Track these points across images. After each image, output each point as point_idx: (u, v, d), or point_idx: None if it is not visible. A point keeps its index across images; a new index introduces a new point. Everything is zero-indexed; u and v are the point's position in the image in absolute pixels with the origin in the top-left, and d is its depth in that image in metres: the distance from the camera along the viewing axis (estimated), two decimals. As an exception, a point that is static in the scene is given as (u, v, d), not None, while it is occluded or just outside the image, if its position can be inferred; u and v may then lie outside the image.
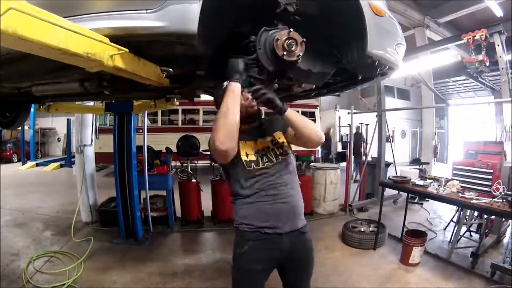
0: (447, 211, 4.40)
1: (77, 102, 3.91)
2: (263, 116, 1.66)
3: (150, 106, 3.55)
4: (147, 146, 4.17)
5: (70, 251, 3.41)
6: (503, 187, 3.14)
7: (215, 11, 1.23)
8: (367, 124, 6.68)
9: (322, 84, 2.13)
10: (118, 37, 1.15)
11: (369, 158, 5.99)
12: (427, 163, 7.27)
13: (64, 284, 2.74)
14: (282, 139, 1.58)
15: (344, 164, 6.51)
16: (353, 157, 5.79)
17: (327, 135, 9.66)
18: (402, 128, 14.38)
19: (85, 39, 0.99)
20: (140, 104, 3.69)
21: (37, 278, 2.84)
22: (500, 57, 4.46)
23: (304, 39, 1.29)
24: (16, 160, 11.64)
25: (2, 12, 0.72)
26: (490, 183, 3.98)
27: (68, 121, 11.15)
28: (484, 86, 6.65)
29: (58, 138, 14.71)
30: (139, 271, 3.06)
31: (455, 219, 4.00)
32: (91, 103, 4.28)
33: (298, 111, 9.22)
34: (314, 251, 1.62)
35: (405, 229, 3.80)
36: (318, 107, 10.79)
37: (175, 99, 3.31)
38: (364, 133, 6.93)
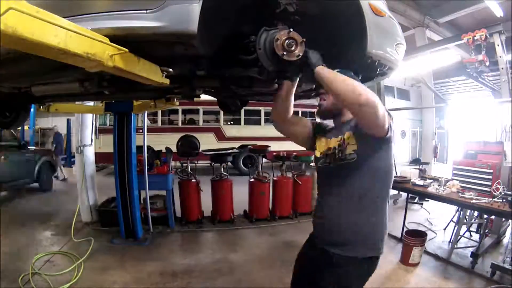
0: (447, 211, 4.41)
1: (77, 102, 3.91)
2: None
3: (150, 106, 3.55)
4: (147, 146, 4.17)
5: (70, 251, 3.41)
6: (503, 187, 3.15)
7: (215, 11, 1.23)
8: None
9: (322, 84, 2.13)
10: (118, 37, 1.15)
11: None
12: (427, 163, 7.27)
13: (64, 285, 2.74)
14: (349, 140, 1.35)
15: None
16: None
17: None
18: (402, 128, 14.37)
19: (85, 39, 0.99)
20: (140, 104, 3.69)
21: (37, 278, 2.84)
22: (500, 57, 4.47)
23: (304, 39, 1.29)
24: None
25: (2, 12, 0.72)
26: (490, 183, 3.99)
27: (68, 121, 11.14)
28: (484, 86, 6.64)
29: (58, 138, 14.69)
30: (139, 271, 3.06)
31: (455, 219, 4.00)
32: (91, 103, 4.28)
33: (298, 111, 9.28)
34: None
35: (405, 229, 3.80)
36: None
37: (175, 99, 3.31)
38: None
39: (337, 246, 1.31)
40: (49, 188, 6.62)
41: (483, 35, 4.67)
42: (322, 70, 1.22)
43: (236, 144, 9.05)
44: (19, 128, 10.78)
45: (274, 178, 4.85)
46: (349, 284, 1.31)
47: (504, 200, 2.88)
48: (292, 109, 1.53)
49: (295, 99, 2.77)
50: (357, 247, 1.29)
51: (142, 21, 1.17)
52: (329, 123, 1.58)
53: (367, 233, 1.30)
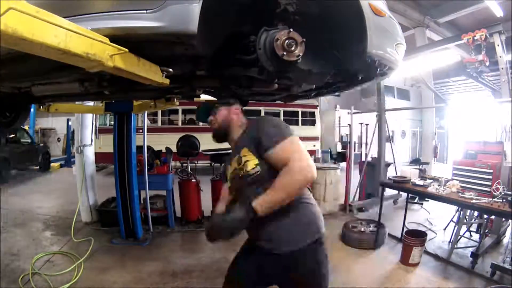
0: (447, 211, 4.41)
1: (77, 102, 3.91)
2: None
3: (150, 106, 3.55)
4: (147, 146, 4.17)
5: (70, 251, 3.40)
6: (503, 187, 3.14)
7: (215, 11, 1.23)
8: (367, 124, 6.69)
9: (322, 84, 2.13)
10: (118, 37, 1.15)
11: (369, 158, 6.00)
12: (427, 163, 7.27)
13: (64, 285, 2.74)
14: (247, 156, 1.30)
15: (344, 164, 6.50)
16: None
17: None
18: (402, 128, 14.39)
19: (85, 39, 0.99)
20: (140, 104, 3.69)
21: (37, 278, 2.83)
22: (500, 57, 4.46)
23: (304, 39, 1.29)
24: (16, 160, 11.61)
25: (2, 12, 0.72)
26: (490, 183, 3.98)
27: (68, 121, 11.14)
28: (484, 86, 6.65)
29: (58, 138, 14.69)
30: (139, 271, 3.06)
31: (455, 219, 4.00)
32: (91, 103, 4.28)
33: (298, 111, 9.25)
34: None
35: (405, 229, 3.80)
36: (318, 107, 10.79)
37: (175, 99, 3.31)
38: (363, 133, 6.92)
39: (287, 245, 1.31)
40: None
41: (483, 35, 4.66)
42: (261, 204, 1.18)
43: (236, 144, 9.03)
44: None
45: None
46: None
47: (504, 200, 2.88)
48: None
49: (294, 99, 2.79)
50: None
51: (142, 21, 1.17)
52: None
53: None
